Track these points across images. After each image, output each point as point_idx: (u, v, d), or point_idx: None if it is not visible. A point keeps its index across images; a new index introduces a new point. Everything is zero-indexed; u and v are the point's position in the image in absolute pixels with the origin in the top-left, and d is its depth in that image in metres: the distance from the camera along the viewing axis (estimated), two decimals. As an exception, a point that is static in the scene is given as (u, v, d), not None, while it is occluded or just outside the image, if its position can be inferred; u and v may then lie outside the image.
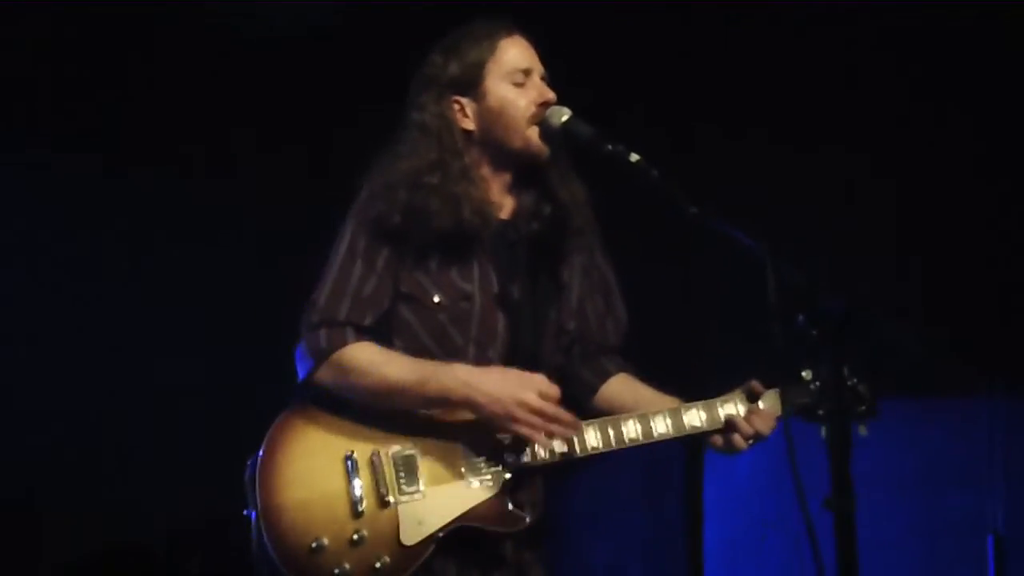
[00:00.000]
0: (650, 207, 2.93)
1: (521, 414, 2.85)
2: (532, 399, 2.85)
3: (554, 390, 2.89)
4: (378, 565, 2.83)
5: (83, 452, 4.58)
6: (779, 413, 3.03)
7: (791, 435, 2.51)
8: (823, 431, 2.82)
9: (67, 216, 4.65)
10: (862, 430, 2.91)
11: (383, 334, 2.98)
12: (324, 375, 2.93)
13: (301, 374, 2.97)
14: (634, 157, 2.87)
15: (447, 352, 2.97)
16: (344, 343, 2.93)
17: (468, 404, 2.88)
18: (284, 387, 2.99)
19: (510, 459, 2.92)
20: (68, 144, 4.62)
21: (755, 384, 3.03)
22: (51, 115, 4.61)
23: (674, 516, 5.02)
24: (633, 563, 5.07)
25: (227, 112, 4.65)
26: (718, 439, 3.04)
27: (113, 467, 4.59)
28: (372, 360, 2.92)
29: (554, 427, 2.87)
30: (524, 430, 2.86)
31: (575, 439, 2.95)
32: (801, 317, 2.72)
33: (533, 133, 3.00)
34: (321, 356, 2.93)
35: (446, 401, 2.89)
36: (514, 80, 3.01)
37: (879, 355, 3.07)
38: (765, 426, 3.01)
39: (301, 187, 4.63)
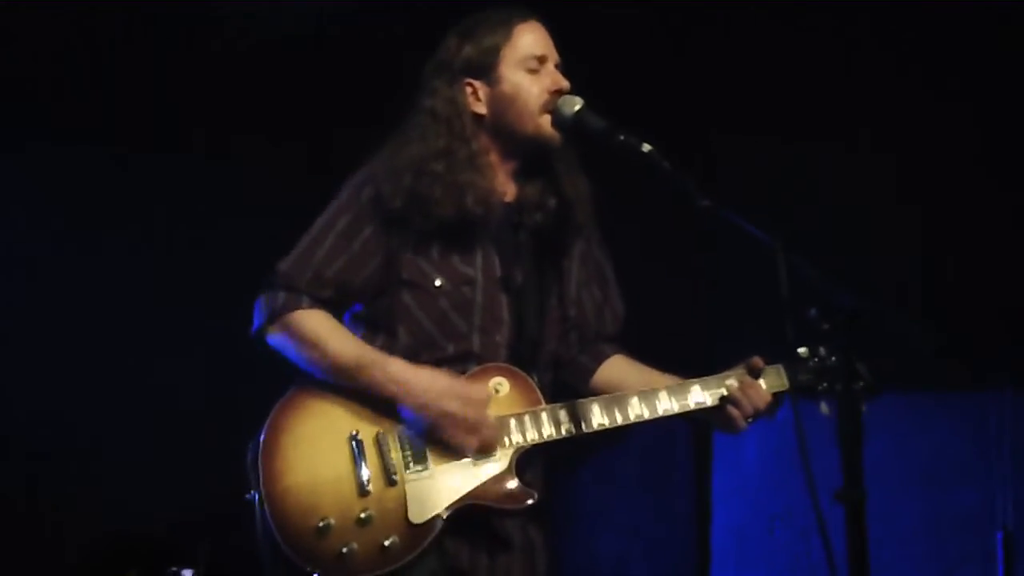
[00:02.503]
0: (660, 197, 2.93)
1: (446, 424, 2.87)
2: (456, 409, 2.87)
3: (481, 394, 2.91)
4: (386, 543, 2.83)
5: (86, 442, 4.57)
6: (779, 389, 3.03)
7: (802, 427, 2.51)
8: (822, 407, 2.84)
9: (70, 214, 4.63)
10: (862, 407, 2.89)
11: (371, 315, 3.01)
12: (272, 333, 2.98)
13: (253, 327, 3.02)
14: (646, 147, 2.87)
15: (450, 338, 2.98)
16: (297, 307, 2.96)
17: (395, 402, 2.89)
18: (286, 374, 3.00)
19: (517, 437, 2.93)
20: (67, 141, 4.60)
21: (756, 359, 3.03)
22: (51, 111, 4.59)
23: (682, 507, 5.03)
24: (641, 554, 5.07)
25: (228, 111, 4.64)
26: (720, 417, 3.04)
27: (117, 456, 4.58)
28: (316, 331, 2.95)
29: (479, 435, 2.88)
30: (451, 440, 2.88)
31: (581, 418, 2.96)
32: (813, 310, 2.73)
33: (545, 121, 3.00)
34: (273, 315, 2.97)
35: (373, 394, 2.90)
36: (528, 67, 3.01)
37: (889, 349, 3.06)
38: (760, 400, 3.00)
39: (302, 185, 4.62)
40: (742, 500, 4.85)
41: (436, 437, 2.89)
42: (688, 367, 3.12)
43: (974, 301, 4.66)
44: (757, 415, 3.02)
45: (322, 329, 2.96)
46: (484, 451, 2.90)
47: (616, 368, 3.20)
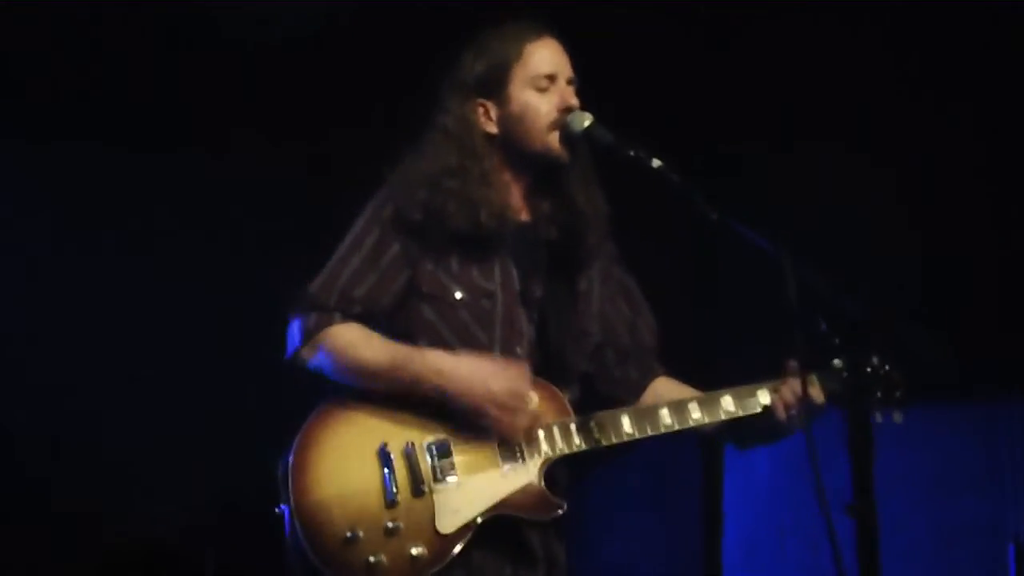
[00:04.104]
0: (670, 211, 2.94)
1: (492, 410, 2.88)
2: (500, 390, 2.88)
3: (524, 383, 2.91)
4: (414, 553, 2.84)
5: (94, 449, 4.57)
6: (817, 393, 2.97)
7: (812, 438, 2.51)
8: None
9: (72, 214, 4.63)
10: (897, 417, 2.88)
11: (390, 330, 3.00)
12: (307, 354, 2.98)
13: (287, 352, 3.02)
14: (656, 162, 2.88)
15: (471, 351, 2.96)
16: (330, 324, 2.98)
17: (439, 393, 2.90)
18: (293, 382, 3.01)
19: (546, 448, 2.94)
20: (67, 140, 4.60)
21: (792, 363, 2.96)
22: (50, 110, 4.58)
23: (693, 519, 5.02)
24: (651, 565, 5.07)
25: (228, 110, 4.64)
26: (762, 423, 3.01)
27: (124, 464, 4.58)
28: (351, 341, 2.96)
29: (523, 419, 2.89)
30: (496, 425, 2.89)
31: (611, 429, 2.96)
32: (823, 323, 2.74)
33: (553, 138, 3.00)
34: (307, 336, 2.98)
35: (418, 388, 2.91)
36: (538, 85, 3.01)
37: (899, 360, 3.07)
38: (800, 388, 2.92)
39: (304, 186, 4.64)
40: (753, 511, 4.84)
41: (481, 422, 2.89)
42: (689, 380, 3.12)
43: (984, 313, 4.65)
44: (801, 409, 2.94)
45: (355, 339, 2.97)
46: (527, 438, 2.91)
47: (667, 387, 3.17)
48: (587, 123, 2.98)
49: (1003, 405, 4.63)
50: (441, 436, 2.92)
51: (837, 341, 2.69)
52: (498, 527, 2.89)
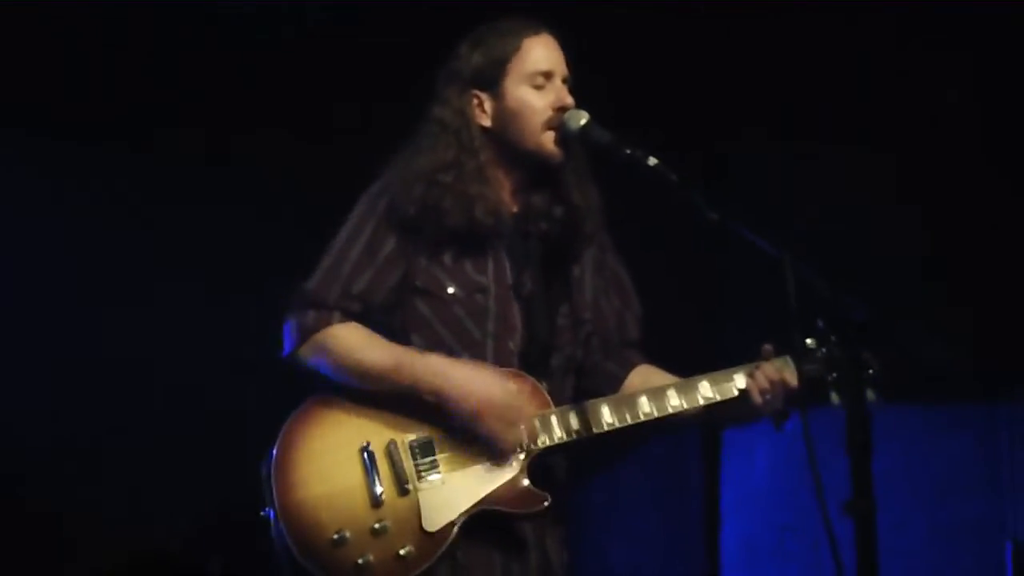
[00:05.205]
0: (668, 210, 2.94)
1: (488, 419, 2.89)
2: (499, 398, 2.89)
3: (522, 397, 2.92)
4: (402, 552, 2.85)
5: (96, 454, 4.57)
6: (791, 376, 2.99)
7: (811, 436, 2.51)
8: (833, 397, 2.85)
9: (72, 215, 4.61)
10: (871, 395, 2.89)
11: (387, 325, 3.02)
12: (306, 352, 2.99)
13: (285, 350, 3.03)
14: (652, 161, 2.88)
15: (465, 346, 3.00)
16: (329, 323, 2.98)
17: (436, 395, 2.91)
18: (297, 383, 3.02)
19: (527, 440, 2.94)
20: (66, 140, 4.59)
21: (767, 347, 3.00)
22: (49, 110, 4.58)
23: (692, 518, 5.03)
24: (651, 565, 5.07)
25: (227, 109, 4.65)
26: (736, 408, 3.02)
27: (127, 470, 4.59)
28: (352, 343, 2.97)
29: (517, 430, 2.90)
30: (489, 434, 2.90)
31: (591, 419, 2.97)
32: (821, 322, 2.74)
33: (548, 137, 3.02)
34: (306, 334, 2.99)
35: (416, 390, 2.92)
36: (534, 83, 3.03)
37: (898, 361, 3.06)
38: (776, 374, 2.97)
39: (305, 188, 4.64)
40: (752, 511, 4.85)
41: (476, 428, 2.90)
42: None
43: (985, 313, 4.65)
44: (774, 390, 2.98)
45: (358, 340, 2.98)
46: (514, 449, 2.91)
47: (645, 377, 3.18)
48: (583, 122, 2.99)
49: (1003, 405, 4.62)
50: (423, 434, 2.94)
51: (834, 339, 2.68)
52: (486, 520, 2.91)
